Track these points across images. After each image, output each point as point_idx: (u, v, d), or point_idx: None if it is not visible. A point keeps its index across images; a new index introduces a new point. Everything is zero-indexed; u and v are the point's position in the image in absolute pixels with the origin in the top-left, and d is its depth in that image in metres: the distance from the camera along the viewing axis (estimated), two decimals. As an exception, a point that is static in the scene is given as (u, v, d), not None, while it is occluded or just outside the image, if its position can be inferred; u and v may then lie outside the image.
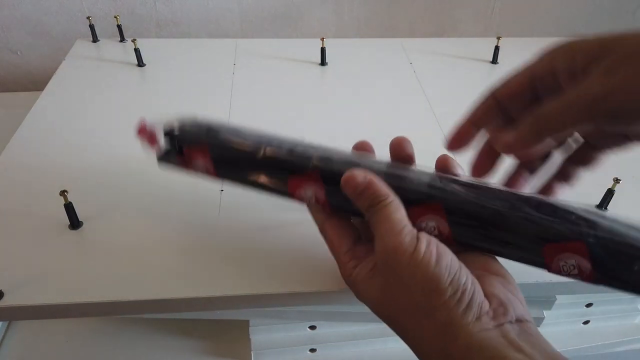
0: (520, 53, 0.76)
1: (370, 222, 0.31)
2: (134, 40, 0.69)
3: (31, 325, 0.55)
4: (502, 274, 0.31)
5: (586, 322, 0.59)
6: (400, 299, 0.28)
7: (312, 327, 0.51)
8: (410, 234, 0.28)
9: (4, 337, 0.54)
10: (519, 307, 0.28)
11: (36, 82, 0.94)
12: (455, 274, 0.27)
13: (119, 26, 0.74)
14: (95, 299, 0.39)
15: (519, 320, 0.28)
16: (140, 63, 0.70)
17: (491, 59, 0.74)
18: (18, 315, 0.40)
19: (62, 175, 0.51)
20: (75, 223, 0.44)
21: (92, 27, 0.74)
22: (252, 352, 0.52)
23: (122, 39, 0.76)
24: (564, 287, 0.43)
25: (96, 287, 0.40)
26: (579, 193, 0.51)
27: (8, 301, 0.38)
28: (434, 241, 0.29)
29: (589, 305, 0.56)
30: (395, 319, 0.30)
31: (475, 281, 0.28)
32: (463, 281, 0.27)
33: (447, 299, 0.26)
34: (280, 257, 0.43)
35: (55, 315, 0.39)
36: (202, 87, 0.66)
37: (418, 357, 0.29)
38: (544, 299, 0.49)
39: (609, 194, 0.49)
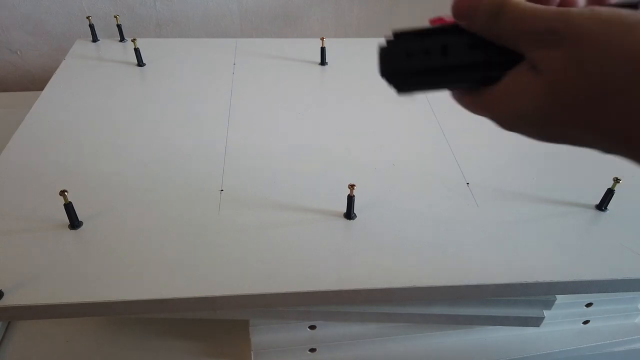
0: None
1: (505, 34, 0.24)
2: (133, 40, 0.69)
3: (31, 325, 0.55)
4: None
5: (586, 322, 0.59)
6: (601, 64, 0.21)
7: (312, 327, 0.51)
8: (574, 8, 0.23)
9: (4, 337, 0.54)
10: None
11: (36, 82, 0.94)
12: None
13: (118, 26, 0.74)
14: (95, 299, 0.39)
15: None
16: (140, 63, 0.70)
17: (491, 59, 0.74)
18: (18, 315, 0.40)
19: (62, 175, 0.51)
20: (75, 223, 0.44)
21: (92, 26, 0.74)
22: (252, 352, 0.52)
23: (122, 39, 0.76)
24: (564, 287, 0.43)
25: (96, 287, 0.40)
26: (579, 193, 0.51)
27: (8, 301, 0.38)
28: (616, 8, 0.22)
29: (589, 305, 0.56)
30: (593, 97, 0.22)
31: None
32: None
33: None
34: (280, 257, 0.43)
35: (55, 315, 0.39)
36: (202, 87, 0.66)
37: (635, 125, 0.22)
38: (544, 299, 0.49)
39: (609, 193, 0.49)
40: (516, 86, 0.25)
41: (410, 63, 0.26)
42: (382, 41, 0.27)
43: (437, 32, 0.27)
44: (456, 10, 0.26)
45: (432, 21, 0.28)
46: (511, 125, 0.26)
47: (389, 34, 0.27)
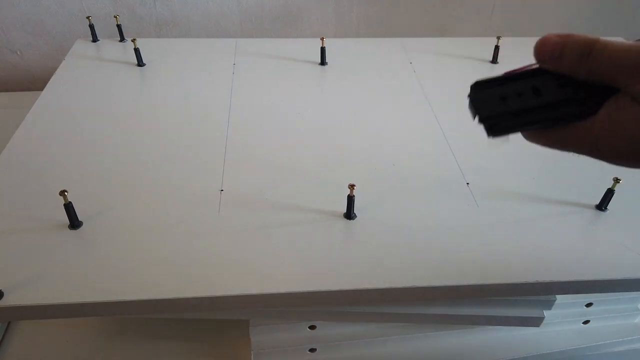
0: (520, 53, 0.76)
1: (599, 71, 0.26)
2: (133, 40, 0.69)
3: (31, 325, 0.55)
4: None
5: (586, 322, 0.59)
6: None
7: (312, 327, 0.51)
8: None
9: (4, 337, 0.54)
10: None
11: (36, 82, 0.94)
12: None
13: (118, 26, 0.74)
14: (95, 299, 0.39)
15: None
16: (140, 63, 0.70)
17: (491, 59, 0.74)
18: (18, 315, 0.40)
19: (62, 175, 0.51)
20: (75, 223, 0.44)
21: (92, 27, 0.74)
22: (252, 352, 0.52)
23: (122, 39, 0.76)
24: (564, 287, 0.43)
25: (96, 287, 0.40)
26: (579, 193, 0.51)
27: (8, 301, 0.38)
28: None
29: (589, 305, 0.56)
30: None
31: None
32: None
33: None
34: (280, 257, 0.43)
35: (55, 315, 0.39)
36: (202, 87, 0.66)
37: None
38: (544, 299, 0.49)
39: (609, 193, 0.49)
40: (624, 121, 0.26)
41: (507, 106, 0.28)
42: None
43: (517, 78, 0.28)
44: (541, 52, 0.28)
45: (508, 73, 0.29)
46: (621, 158, 0.28)
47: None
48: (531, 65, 0.29)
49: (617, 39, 0.28)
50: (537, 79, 0.28)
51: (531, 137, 0.30)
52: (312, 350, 0.53)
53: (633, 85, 0.26)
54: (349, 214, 0.47)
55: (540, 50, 0.28)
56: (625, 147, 0.27)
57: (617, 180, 0.48)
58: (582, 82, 0.27)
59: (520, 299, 0.49)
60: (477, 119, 0.28)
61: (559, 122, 0.28)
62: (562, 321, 0.57)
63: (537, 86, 0.28)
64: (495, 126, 0.28)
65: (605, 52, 0.26)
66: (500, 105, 0.28)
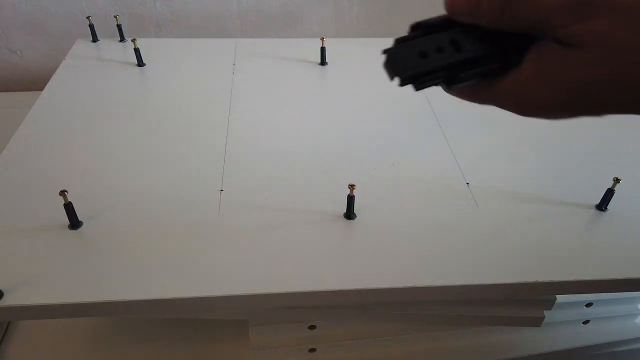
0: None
1: (523, 18, 0.24)
2: (133, 40, 0.69)
3: (31, 325, 0.55)
4: None
5: (586, 322, 0.59)
6: None
7: (312, 327, 0.51)
8: None
9: (4, 337, 0.54)
10: None
11: (36, 82, 0.94)
12: None
13: (118, 26, 0.74)
14: (95, 299, 0.39)
15: None
16: (140, 63, 0.70)
17: (491, 59, 0.74)
18: (18, 315, 0.40)
19: (62, 175, 0.51)
20: (75, 223, 0.44)
21: (92, 27, 0.74)
22: (252, 352, 0.52)
23: (122, 39, 0.76)
24: (564, 287, 0.43)
25: (96, 287, 0.40)
26: (579, 193, 0.51)
27: (8, 301, 0.38)
28: None
29: (589, 305, 0.56)
30: None
31: None
32: None
33: None
34: (280, 257, 0.43)
35: (55, 315, 0.39)
36: (202, 87, 0.66)
37: None
38: (544, 299, 0.49)
39: (609, 193, 0.49)
40: (552, 69, 0.24)
41: (427, 62, 0.26)
42: (387, 46, 0.27)
43: (437, 31, 0.26)
44: (452, 6, 0.26)
45: (425, 22, 0.27)
46: (550, 110, 0.25)
47: (389, 40, 0.27)
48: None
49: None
50: (455, 31, 0.26)
51: (454, 92, 0.29)
52: (312, 350, 0.53)
53: (558, 28, 0.23)
54: (349, 214, 0.47)
55: (452, 2, 0.25)
56: (552, 97, 0.25)
57: (617, 180, 0.48)
58: (500, 32, 0.25)
59: (520, 299, 0.49)
60: (396, 80, 0.26)
61: (483, 77, 0.27)
62: (562, 321, 0.57)
63: (457, 39, 0.26)
64: (417, 85, 0.27)
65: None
66: (421, 62, 0.26)
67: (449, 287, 0.42)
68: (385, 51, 0.27)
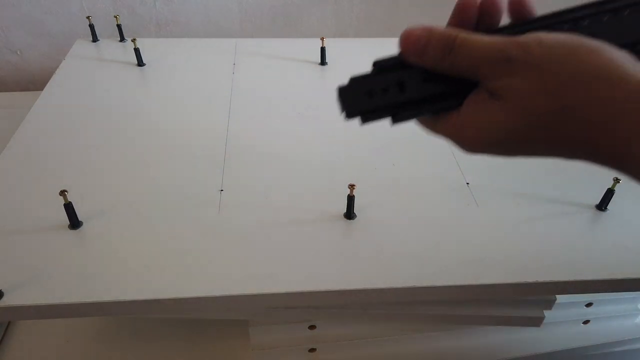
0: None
1: (460, 67, 0.26)
2: (133, 40, 0.69)
3: (31, 325, 0.55)
4: None
5: (586, 322, 0.59)
6: (555, 86, 0.24)
7: (312, 327, 0.51)
8: (521, 37, 0.25)
9: (4, 337, 0.54)
10: None
11: (36, 82, 0.94)
12: (603, 44, 0.24)
13: (118, 26, 0.74)
14: (95, 299, 0.39)
15: None
16: (140, 63, 0.70)
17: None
18: (18, 315, 0.40)
19: (62, 175, 0.51)
20: (75, 223, 0.44)
21: (92, 26, 0.74)
22: (251, 353, 0.52)
23: (122, 39, 0.76)
24: (564, 287, 0.43)
25: (96, 287, 0.40)
26: (579, 193, 0.51)
27: (8, 301, 0.38)
28: (554, 33, 0.25)
29: (589, 305, 0.56)
30: (552, 114, 0.25)
31: None
32: (615, 48, 0.25)
33: (607, 54, 0.24)
34: (280, 257, 0.43)
35: (55, 315, 0.39)
36: (202, 87, 0.66)
37: (591, 140, 0.25)
38: (544, 299, 0.49)
39: (609, 193, 0.49)
40: (478, 112, 0.27)
41: (372, 101, 0.29)
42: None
43: (388, 70, 0.29)
44: (405, 47, 0.28)
45: (378, 62, 0.29)
46: (476, 148, 0.28)
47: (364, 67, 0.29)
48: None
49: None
50: (404, 72, 0.28)
51: (418, 121, 0.31)
52: (312, 350, 0.53)
53: (489, 80, 0.26)
54: (349, 214, 0.47)
55: (404, 44, 0.27)
56: (480, 138, 0.27)
57: (617, 180, 0.48)
58: (446, 75, 0.27)
59: (520, 299, 0.49)
60: (343, 114, 0.29)
61: (425, 115, 0.29)
62: (562, 321, 0.57)
63: (403, 81, 0.28)
64: (363, 120, 0.29)
65: (465, 47, 0.26)
66: (366, 101, 0.29)
67: (448, 287, 0.42)
68: (339, 88, 0.30)
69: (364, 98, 0.29)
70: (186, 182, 0.50)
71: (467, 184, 0.52)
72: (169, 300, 0.39)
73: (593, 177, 0.53)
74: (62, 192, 0.43)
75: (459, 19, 0.29)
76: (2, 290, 0.38)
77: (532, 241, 0.46)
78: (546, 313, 0.50)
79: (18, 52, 0.91)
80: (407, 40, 0.27)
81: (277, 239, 0.45)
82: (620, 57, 0.24)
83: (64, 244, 0.43)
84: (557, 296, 0.50)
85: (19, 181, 0.50)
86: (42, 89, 0.64)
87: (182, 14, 0.92)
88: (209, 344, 0.55)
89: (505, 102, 0.26)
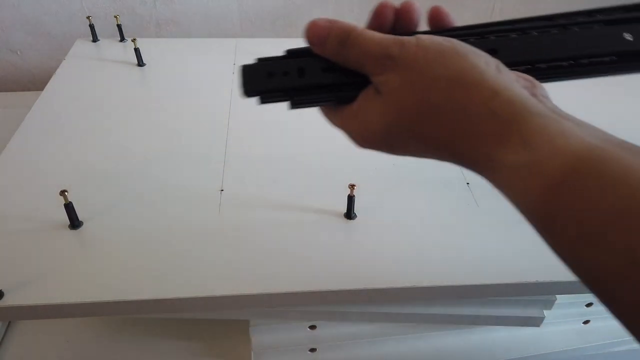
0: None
1: (352, 60, 0.28)
2: (133, 40, 0.69)
3: (31, 325, 0.55)
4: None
5: (586, 322, 0.59)
6: (421, 86, 0.25)
7: (312, 327, 0.51)
8: (406, 37, 0.26)
9: (4, 337, 0.54)
10: (542, 88, 0.27)
11: (36, 82, 0.94)
12: (475, 50, 0.26)
13: (118, 26, 0.74)
14: (95, 299, 0.39)
15: (546, 97, 0.27)
16: (140, 63, 0.70)
17: (491, 59, 0.74)
18: (18, 315, 0.40)
19: (62, 175, 0.51)
20: (75, 223, 0.44)
21: (92, 26, 0.74)
22: (252, 352, 0.52)
23: (122, 39, 0.76)
24: (564, 287, 0.43)
25: (96, 287, 0.40)
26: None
27: (8, 301, 0.38)
28: (437, 36, 0.26)
29: (589, 305, 0.56)
30: (419, 114, 0.26)
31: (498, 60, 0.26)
32: (486, 55, 0.26)
33: (471, 60, 0.25)
34: (280, 257, 0.43)
35: (55, 315, 0.39)
36: (202, 87, 0.66)
37: (451, 142, 0.26)
38: (544, 299, 0.49)
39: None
40: (365, 106, 0.28)
41: (271, 82, 0.30)
42: (246, 63, 0.30)
43: (295, 56, 0.30)
44: (309, 37, 0.28)
45: (290, 50, 0.30)
46: (364, 142, 0.29)
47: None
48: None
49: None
50: (308, 60, 0.29)
51: (321, 111, 0.32)
52: (312, 350, 0.53)
53: (373, 76, 0.27)
54: (349, 214, 0.47)
55: (308, 34, 0.28)
56: (365, 133, 0.28)
57: (617, 180, 0.48)
58: (345, 68, 0.28)
59: (520, 299, 0.49)
60: (242, 92, 0.30)
61: (322, 103, 0.30)
62: (562, 321, 0.57)
63: (303, 67, 0.29)
64: (261, 100, 0.30)
65: (357, 41, 0.27)
66: (265, 81, 0.30)
67: (448, 287, 0.42)
68: (242, 66, 0.30)
69: (265, 79, 0.30)
70: (186, 182, 0.50)
71: (467, 184, 0.52)
72: (169, 300, 0.39)
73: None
74: (62, 192, 0.43)
75: (376, 22, 0.30)
76: (2, 290, 0.38)
77: (532, 241, 0.46)
78: (546, 313, 0.51)
79: (18, 52, 0.91)
80: (311, 30, 0.28)
81: (277, 239, 0.45)
82: (484, 64, 0.25)
83: (64, 244, 0.43)
84: (557, 296, 0.50)
85: (19, 181, 0.50)
86: (42, 89, 0.64)
87: (182, 14, 0.92)
88: (209, 343, 0.55)
89: (383, 97, 0.27)
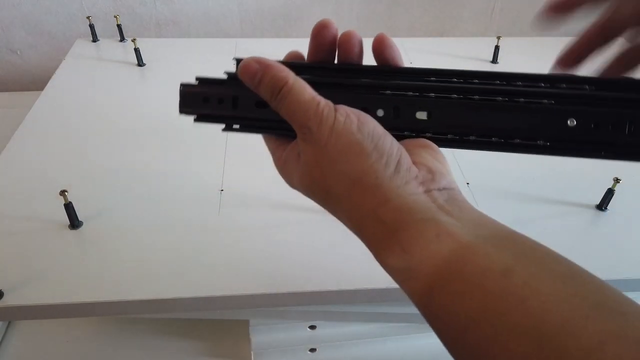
0: (520, 53, 0.76)
1: (281, 113, 0.29)
2: (133, 40, 0.69)
3: (31, 325, 0.55)
4: (429, 145, 0.30)
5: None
6: (328, 173, 0.27)
7: (312, 327, 0.51)
8: (327, 107, 0.27)
9: (4, 337, 0.54)
10: (446, 175, 0.29)
11: (36, 82, 0.94)
12: (380, 139, 0.27)
13: (118, 26, 0.74)
14: (95, 299, 0.39)
15: (446, 188, 0.28)
16: (140, 63, 0.70)
17: (491, 59, 0.74)
18: (18, 315, 0.40)
19: (62, 175, 0.51)
20: (75, 223, 0.44)
21: (92, 26, 0.74)
22: (252, 352, 0.52)
23: (122, 39, 0.76)
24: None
25: (96, 287, 0.40)
26: (579, 193, 0.51)
27: (8, 301, 0.38)
28: (355, 111, 0.28)
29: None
30: (326, 194, 0.29)
31: (402, 148, 0.28)
32: (388, 146, 0.27)
33: (373, 162, 0.26)
34: (281, 257, 0.43)
35: (55, 315, 0.39)
36: (202, 87, 0.66)
37: (351, 228, 0.29)
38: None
39: (609, 193, 0.49)
40: (290, 160, 0.30)
41: (205, 107, 0.31)
42: (185, 82, 0.32)
43: (235, 81, 0.30)
44: (242, 77, 0.29)
45: (230, 73, 0.31)
46: (293, 186, 0.31)
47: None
48: None
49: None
50: (244, 91, 0.29)
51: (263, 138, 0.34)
52: (312, 350, 0.53)
53: (298, 138, 0.28)
54: (349, 214, 0.47)
55: (241, 74, 0.29)
56: (291, 180, 0.31)
57: (617, 180, 0.48)
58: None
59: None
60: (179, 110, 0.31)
61: (255, 133, 0.32)
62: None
63: (238, 97, 0.30)
64: (196, 120, 0.31)
65: (286, 99, 0.28)
66: (200, 105, 0.31)
67: (449, 287, 0.42)
68: (181, 84, 0.32)
69: (200, 103, 0.31)
70: (186, 181, 0.50)
71: (467, 184, 0.52)
72: (169, 300, 0.39)
73: (593, 177, 0.53)
74: (62, 192, 0.43)
75: (314, 42, 0.31)
76: (2, 290, 0.38)
77: (532, 241, 0.46)
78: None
79: (18, 52, 0.91)
80: (244, 71, 0.29)
81: (277, 239, 0.45)
82: (383, 166, 0.26)
83: (64, 244, 0.43)
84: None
85: (19, 181, 0.50)
86: (42, 89, 0.64)
87: (182, 14, 0.92)
88: (209, 343, 0.55)
89: (301, 163, 0.28)
